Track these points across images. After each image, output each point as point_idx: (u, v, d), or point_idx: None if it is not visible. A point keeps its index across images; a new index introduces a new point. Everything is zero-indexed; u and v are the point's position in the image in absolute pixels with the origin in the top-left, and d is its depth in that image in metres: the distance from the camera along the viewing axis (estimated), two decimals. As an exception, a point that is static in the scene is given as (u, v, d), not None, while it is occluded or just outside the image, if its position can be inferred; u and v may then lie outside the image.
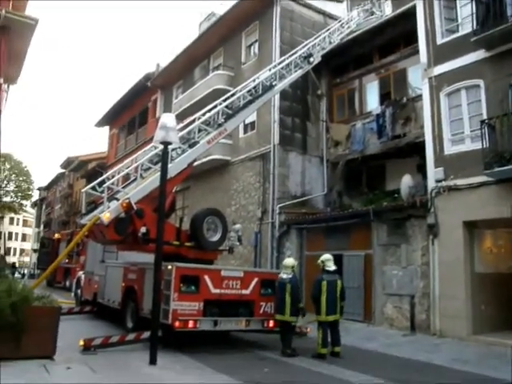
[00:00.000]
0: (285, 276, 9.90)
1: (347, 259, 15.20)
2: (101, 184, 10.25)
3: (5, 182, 15.47)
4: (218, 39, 23.04)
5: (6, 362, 7.19)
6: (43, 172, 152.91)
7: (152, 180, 10.07)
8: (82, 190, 10.30)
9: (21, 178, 15.67)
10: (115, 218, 9.48)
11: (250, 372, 8.02)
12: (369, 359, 9.94)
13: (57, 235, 29.78)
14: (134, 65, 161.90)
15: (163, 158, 8.53)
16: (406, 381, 7.79)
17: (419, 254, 13.29)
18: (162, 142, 8.48)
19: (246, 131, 20.81)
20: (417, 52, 14.88)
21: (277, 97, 17.86)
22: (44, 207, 70.41)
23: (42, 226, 68.98)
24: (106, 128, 40.20)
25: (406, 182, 14.23)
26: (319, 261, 10.25)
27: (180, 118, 25.20)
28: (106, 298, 12.66)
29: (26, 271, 60.13)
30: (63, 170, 57.45)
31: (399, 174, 15.28)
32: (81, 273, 15.95)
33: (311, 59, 15.44)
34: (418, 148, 14.74)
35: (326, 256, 10.32)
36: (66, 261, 25.81)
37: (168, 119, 8.58)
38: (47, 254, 29.36)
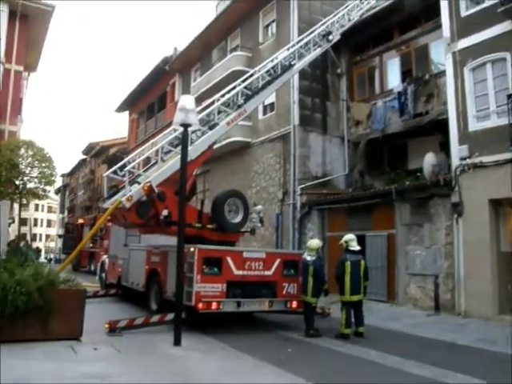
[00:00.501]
0: (308, 258, 9.85)
1: (370, 239, 15.09)
2: (122, 168, 10.28)
3: (28, 168, 15.71)
4: (234, 20, 22.80)
5: (35, 344, 7.35)
6: (65, 159, 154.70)
7: (173, 163, 10.06)
8: (104, 175, 10.35)
9: (43, 164, 15.88)
10: (137, 202, 9.52)
11: (273, 352, 8.03)
12: (393, 339, 9.87)
13: (80, 220, 30.22)
14: (152, 50, 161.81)
15: (183, 140, 8.49)
16: (432, 361, 7.70)
17: (443, 233, 13.11)
18: (181, 124, 8.43)
19: (265, 112, 20.68)
20: (439, 27, 14.51)
21: (296, 77, 17.68)
22: (67, 193, 71.47)
23: (66, 212, 70.12)
24: (126, 113, 40.39)
25: (429, 160, 13.97)
26: (342, 241, 10.16)
27: (199, 101, 25.05)
28: (130, 281, 12.80)
29: (51, 256, 61.35)
30: (85, 157, 58.15)
31: (421, 153, 15.02)
32: (105, 257, 16.15)
33: (330, 37, 15.15)
34: (441, 126, 14.46)
35: (350, 236, 10.23)
36: (91, 245, 26.20)
37: (187, 101, 8.52)
38: (72, 239, 29.85)
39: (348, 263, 9.64)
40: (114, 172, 10.27)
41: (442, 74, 14.67)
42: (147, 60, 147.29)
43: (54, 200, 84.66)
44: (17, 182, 16.88)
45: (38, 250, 31.07)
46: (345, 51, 19.52)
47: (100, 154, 49.61)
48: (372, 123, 17.90)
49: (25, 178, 16.70)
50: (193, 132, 10.73)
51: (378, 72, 18.37)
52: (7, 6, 23.82)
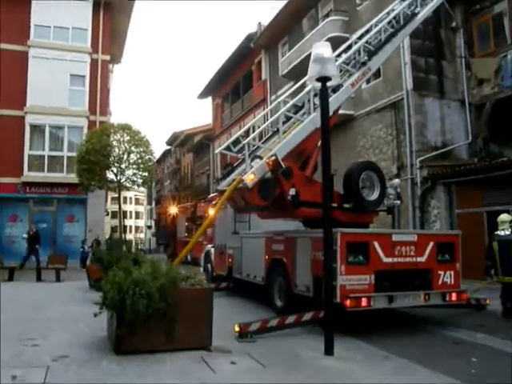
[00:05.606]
0: (502, 233, 8.84)
1: (516, 215, 12.70)
2: (235, 143, 8.81)
3: (125, 154, 14.71)
4: (325, -18, 20.80)
5: (161, 355, 6.09)
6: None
7: (298, 131, 8.45)
8: (216, 151, 9.01)
9: (141, 149, 14.90)
10: (259, 180, 7.97)
11: (452, 361, 6.28)
12: None
13: (174, 210, 29.62)
14: (234, 33, 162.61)
15: (322, 96, 6.77)
16: None
17: None
18: (318, 79, 6.71)
19: (369, 81, 18.51)
20: None
21: (406, 36, 15.47)
22: (154, 184, 72.64)
23: (153, 203, 71.38)
24: (209, 100, 39.57)
25: None
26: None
27: (289, 76, 23.45)
28: (244, 273, 11.38)
29: (141, 247, 62.61)
30: (169, 147, 58.44)
31: None
32: (209, 246, 14.88)
33: (455, -21, 12.90)
34: None
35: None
36: (185, 234, 25.50)
37: (323, 49, 6.78)
38: (166, 229, 29.39)
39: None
40: (227, 148, 8.78)
41: None
42: (229, 45, 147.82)
43: (141, 192, 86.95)
44: (114, 170, 15.96)
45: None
46: (460, 0, 16.96)
47: (185, 143, 49.35)
48: (502, 80, 15.30)
49: (122, 165, 15.76)
50: (315, 95, 9.02)
51: (508, 18, 15.57)
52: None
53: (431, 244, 8.36)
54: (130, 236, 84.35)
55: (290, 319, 7.61)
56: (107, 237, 21.30)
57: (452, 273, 8.51)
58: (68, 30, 23.00)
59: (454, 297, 8.33)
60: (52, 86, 21.68)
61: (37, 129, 22.24)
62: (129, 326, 6.07)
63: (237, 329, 7.29)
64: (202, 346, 6.50)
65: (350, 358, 6.32)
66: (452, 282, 8.49)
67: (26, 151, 21.77)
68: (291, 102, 9.24)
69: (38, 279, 15.42)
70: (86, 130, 21.60)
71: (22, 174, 21.55)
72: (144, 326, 6.11)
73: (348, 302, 7.32)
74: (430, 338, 7.69)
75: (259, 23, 27.97)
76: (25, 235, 19.08)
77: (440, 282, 8.39)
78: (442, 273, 8.42)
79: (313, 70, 6.68)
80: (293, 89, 10.20)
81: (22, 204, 22.21)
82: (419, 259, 8.22)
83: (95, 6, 23.83)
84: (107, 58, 24.60)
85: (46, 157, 22.12)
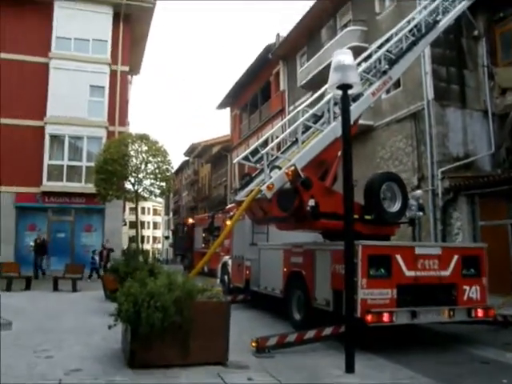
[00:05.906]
0: None
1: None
2: (254, 153, 8.67)
3: (143, 164, 14.68)
4: (344, -7, 20.72)
5: (176, 370, 5.92)
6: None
7: (317, 141, 8.27)
8: (234, 161, 8.82)
9: (159, 159, 14.86)
10: (277, 191, 7.80)
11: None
12: None
13: (191, 220, 29.58)
14: (252, 44, 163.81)
15: (343, 104, 6.59)
16: None
17: None
18: (339, 87, 6.52)
19: (388, 91, 18.28)
20: None
21: (426, 45, 15.25)
22: (171, 195, 72.92)
23: (171, 214, 71.56)
24: (227, 111, 39.64)
25: None
26: None
27: (308, 87, 23.33)
28: (261, 286, 11.16)
29: (158, 257, 62.63)
30: (187, 158, 58.68)
31: None
32: (226, 258, 14.71)
33: (478, -14, 12.70)
34: None
35: None
36: (203, 245, 25.39)
37: (344, 56, 6.58)
38: (183, 240, 29.31)
39: None
40: (246, 158, 8.65)
41: None
42: (247, 56, 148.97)
43: (159, 203, 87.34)
44: (131, 179, 15.92)
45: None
46: (483, 9, 16.62)
47: (203, 154, 49.51)
48: (526, 89, 14.96)
49: (140, 175, 15.71)
50: (335, 104, 8.85)
51: (533, 26, 15.31)
52: (111, 8, 23.68)
53: (456, 257, 8.07)
54: (147, 246, 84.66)
55: (310, 334, 7.36)
56: (125, 247, 21.29)
57: (478, 288, 8.19)
58: (88, 42, 23.24)
59: (480, 313, 8.00)
60: (72, 97, 21.88)
61: (56, 139, 22.42)
62: (143, 339, 5.92)
63: (254, 343, 7.08)
64: (218, 361, 6.32)
65: (372, 376, 6.07)
66: (478, 298, 8.17)
67: (46, 161, 21.92)
68: (310, 112, 9.09)
69: (55, 289, 15.39)
70: (104, 141, 21.68)
71: (41, 183, 21.70)
72: (159, 340, 5.96)
73: (369, 317, 7.06)
74: (456, 357, 7.35)
75: (278, 34, 27.99)
76: (32, 243, 19.29)
77: (465, 297, 8.08)
78: (467, 288, 8.11)
79: (334, 78, 6.51)
80: (312, 98, 10.07)
81: (41, 213, 22.36)
82: (443, 273, 7.93)
83: (115, 18, 24.05)
84: (126, 69, 24.79)
85: (64, 167, 22.25)
